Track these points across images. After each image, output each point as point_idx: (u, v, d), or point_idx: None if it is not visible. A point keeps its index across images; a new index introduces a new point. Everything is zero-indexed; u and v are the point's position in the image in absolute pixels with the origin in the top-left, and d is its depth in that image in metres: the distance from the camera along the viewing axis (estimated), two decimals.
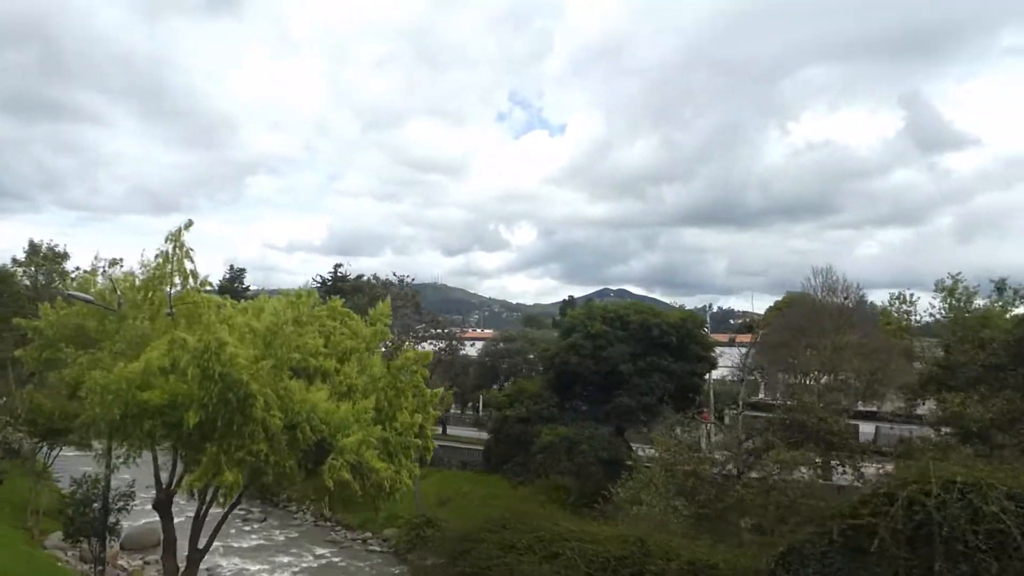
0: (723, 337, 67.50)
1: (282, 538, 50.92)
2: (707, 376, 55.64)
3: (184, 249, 23.03)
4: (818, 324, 51.95)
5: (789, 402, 44.55)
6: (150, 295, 23.31)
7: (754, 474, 42.78)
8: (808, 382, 49.31)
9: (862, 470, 43.63)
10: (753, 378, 44.75)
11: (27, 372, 38.39)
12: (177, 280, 23.38)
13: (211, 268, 79.99)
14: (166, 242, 22.91)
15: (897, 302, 76.64)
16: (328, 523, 55.39)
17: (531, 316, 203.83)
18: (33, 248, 41.16)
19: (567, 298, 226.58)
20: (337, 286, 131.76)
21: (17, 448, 22.26)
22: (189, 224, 22.97)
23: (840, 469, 43.34)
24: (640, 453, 50.17)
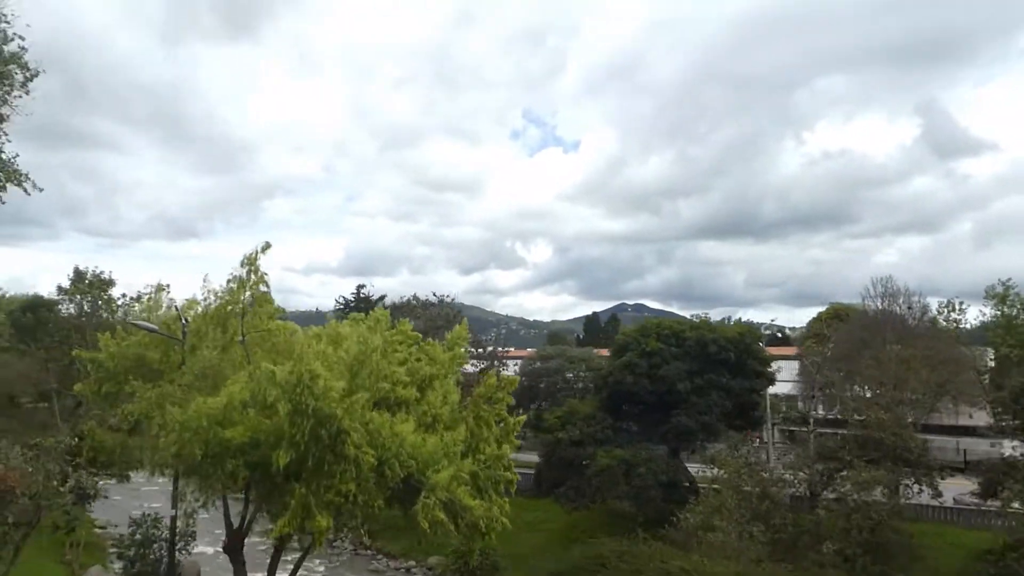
0: (775, 350, 65.37)
1: (322, 569, 49.23)
2: (764, 392, 53.67)
3: (260, 274, 21.55)
4: (880, 336, 50.08)
5: (858, 418, 42.62)
6: (222, 323, 21.82)
7: (827, 494, 40.88)
8: (874, 396, 47.28)
9: (939, 488, 41.64)
10: (827, 393, 42.71)
11: (74, 404, 37.12)
12: (248, 305, 21.93)
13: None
14: (241, 266, 21.43)
15: (946, 310, 74.42)
16: (368, 551, 53.65)
17: (555, 333, 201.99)
18: (78, 275, 39.97)
19: (591, 314, 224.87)
20: (360, 307, 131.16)
21: (92, 493, 20.85)
22: (266, 247, 21.49)
23: (916, 488, 41.32)
24: (703, 473, 48.33)
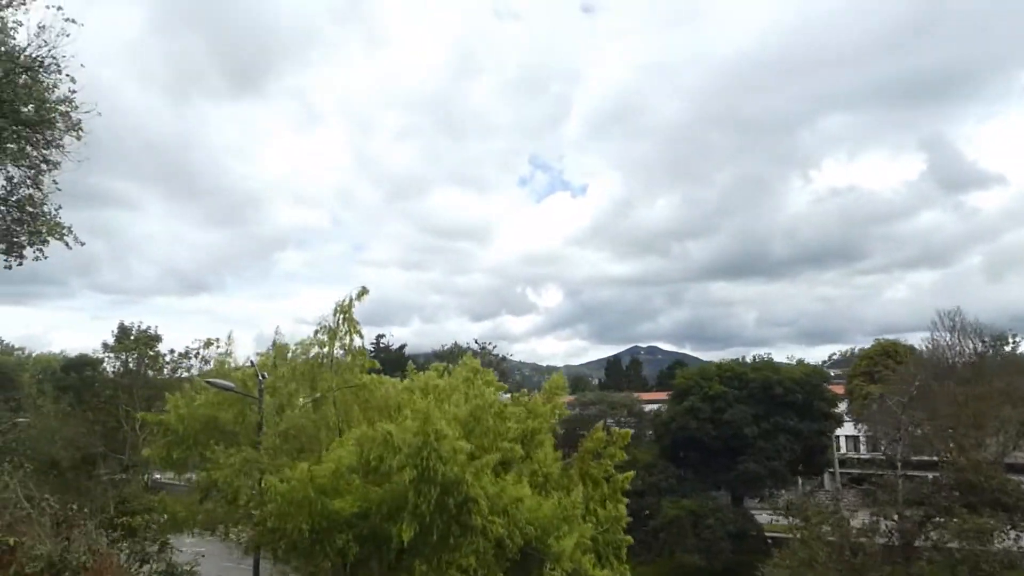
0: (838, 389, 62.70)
1: None
2: (832, 435, 51.13)
3: (354, 324, 19.53)
4: (953, 372, 47.55)
5: (947, 459, 39.97)
6: (311, 379, 19.76)
7: (919, 543, 38.06)
8: (952, 437, 44.60)
9: None
10: (916, 434, 40.21)
11: (121, 468, 34.99)
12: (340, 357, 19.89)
13: (243, 346, 76.38)
14: (335, 314, 19.42)
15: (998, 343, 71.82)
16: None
17: (578, 376, 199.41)
18: (123, 331, 38.07)
19: (611, 357, 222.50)
20: (380, 357, 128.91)
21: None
22: (362, 293, 19.51)
23: (1013, 534, 38.44)
24: (773, 522, 45.61)
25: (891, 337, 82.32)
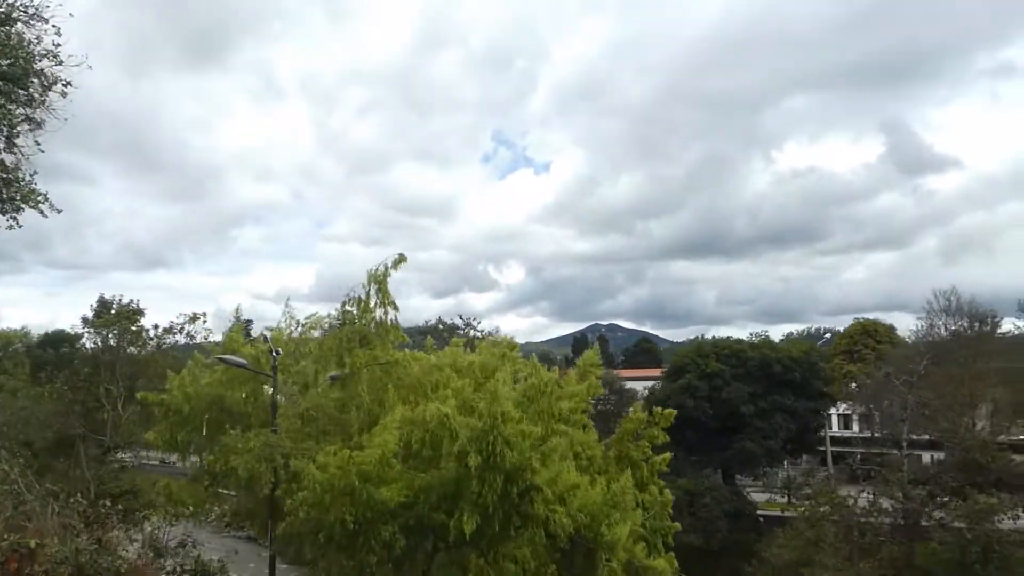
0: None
1: None
2: (826, 414, 50.73)
3: (388, 295, 17.81)
4: (950, 353, 47.16)
5: (952, 440, 39.59)
6: (338, 355, 18.01)
7: (924, 523, 37.69)
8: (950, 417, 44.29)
9: None
10: (923, 414, 39.63)
11: (102, 451, 32.89)
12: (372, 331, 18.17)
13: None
14: (369, 283, 17.66)
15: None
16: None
17: (542, 354, 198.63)
18: (103, 305, 35.60)
19: (577, 334, 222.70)
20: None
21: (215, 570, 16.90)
22: (399, 261, 17.75)
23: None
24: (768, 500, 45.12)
25: (872, 316, 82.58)
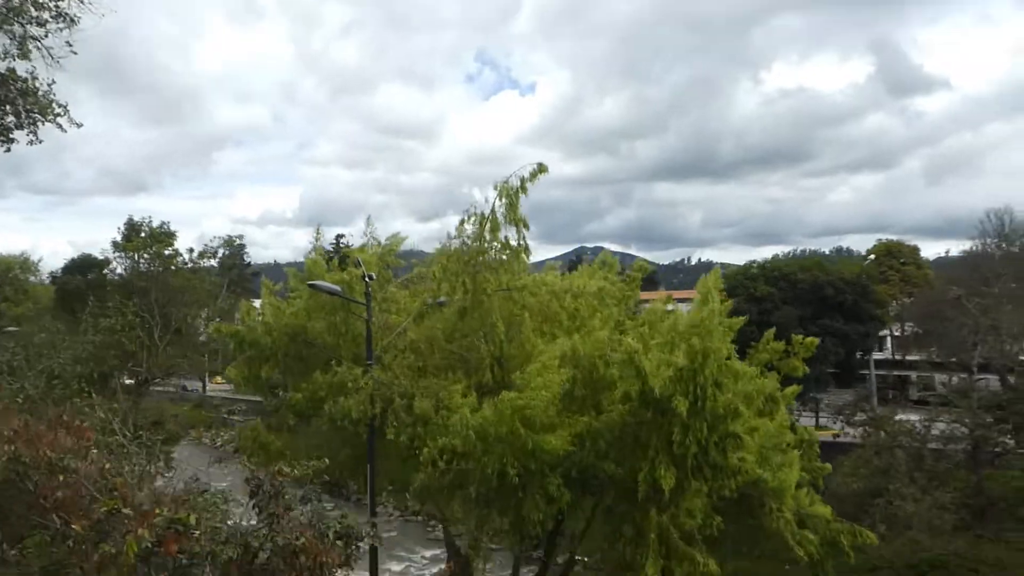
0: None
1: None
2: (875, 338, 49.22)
3: (519, 213, 15.32)
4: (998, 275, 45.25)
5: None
6: (462, 279, 15.59)
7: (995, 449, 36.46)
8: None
9: None
10: (989, 339, 37.89)
11: (136, 383, 30.71)
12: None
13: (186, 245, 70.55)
14: (501, 195, 15.13)
15: None
16: (418, 519, 48.15)
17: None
18: (132, 228, 32.64)
19: (573, 257, 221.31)
20: (341, 258, 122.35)
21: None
22: (538, 172, 15.15)
23: None
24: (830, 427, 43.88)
25: (893, 237, 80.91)
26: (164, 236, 32.02)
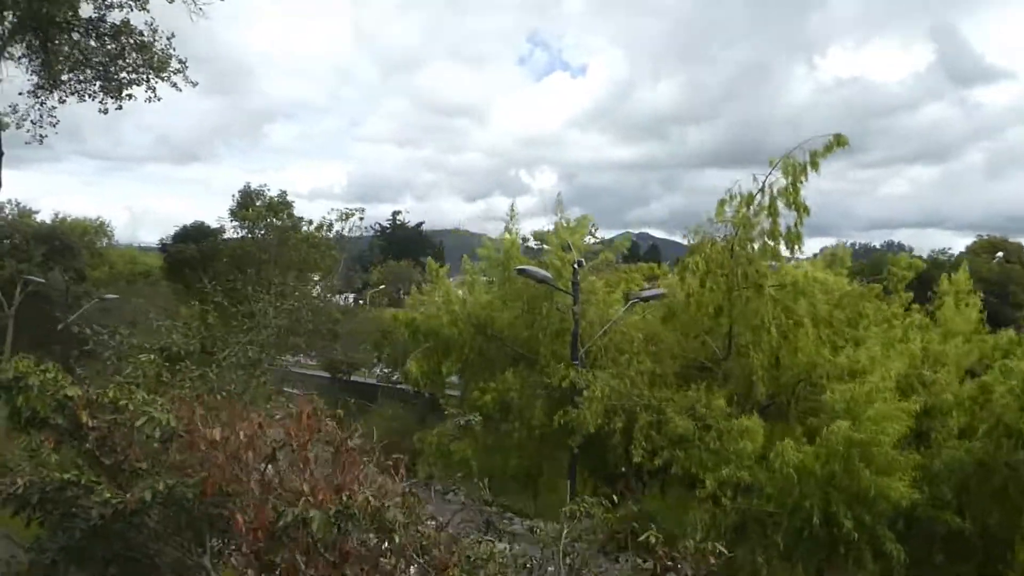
0: None
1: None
2: None
3: (799, 195, 12.66)
4: None
5: None
6: (725, 273, 12.96)
7: None
8: None
9: None
10: None
11: (254, 359, 28.48)
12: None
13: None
14: (786, 174, 12.50)
15: None
16: (491, 508, 45.80)
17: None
18: (247, 197, 30.12)
19: (619, 236, 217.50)
20: (397, 235, 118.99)
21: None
22: (834, 144, 12.47)
23: None
24: None
25: (995, 234, 77.06)
26: (282, 206, 29.80)
